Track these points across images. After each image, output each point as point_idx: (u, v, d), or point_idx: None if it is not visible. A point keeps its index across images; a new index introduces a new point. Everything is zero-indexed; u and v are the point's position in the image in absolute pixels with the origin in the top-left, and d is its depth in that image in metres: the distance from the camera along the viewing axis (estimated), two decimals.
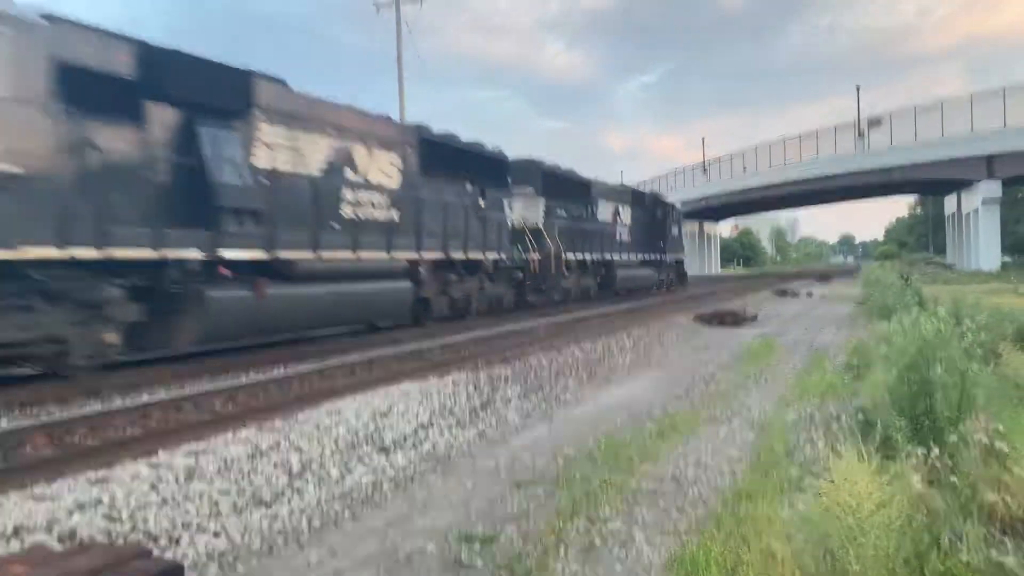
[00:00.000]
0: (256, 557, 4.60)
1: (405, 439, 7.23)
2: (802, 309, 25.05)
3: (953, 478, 4.17)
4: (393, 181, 14.71)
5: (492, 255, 18.54)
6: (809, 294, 32.17)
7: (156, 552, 4.30)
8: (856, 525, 3.22)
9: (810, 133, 54.26)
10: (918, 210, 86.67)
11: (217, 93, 10.90)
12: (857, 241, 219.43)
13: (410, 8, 34.77)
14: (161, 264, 9.93)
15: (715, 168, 65.20)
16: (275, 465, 6.00)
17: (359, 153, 13.70)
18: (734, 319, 19.17)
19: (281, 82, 12.23)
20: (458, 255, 17.00)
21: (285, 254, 11.85)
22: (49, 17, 8.88)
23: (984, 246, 43.49)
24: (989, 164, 42.29)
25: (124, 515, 4.78)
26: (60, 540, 4.38)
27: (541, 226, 21.52)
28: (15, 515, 4.64)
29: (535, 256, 20.94)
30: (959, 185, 48.72)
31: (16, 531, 4.41)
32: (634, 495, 5.55)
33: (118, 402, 8.38)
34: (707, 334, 17.32)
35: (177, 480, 5.44)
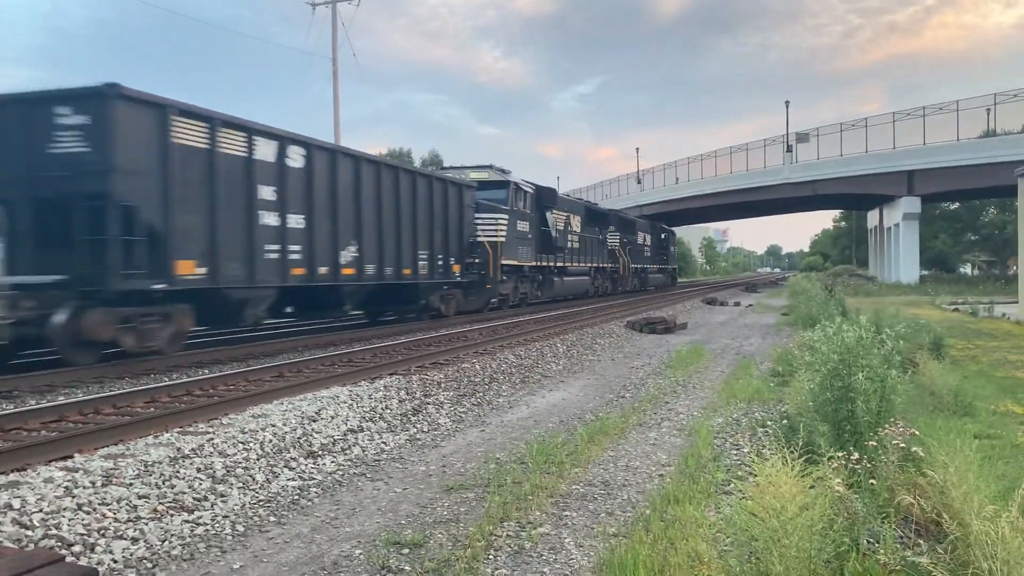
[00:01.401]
0: (176, 563, 4.46)
1: (334, 443, 7.12)
2: (730, 317, 25.58)
3: (872, 481, 4.29)
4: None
5: (607, 265, 34.87)
6: (737, 303, 32.90)
7: (69, 558, 4.13)
8: (780, 527, 3.28)
9: (741, 147, 55.60)
10: (842, 224, 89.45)
11: (554, 200, 27.52)
12: (784, 252, 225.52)
13: (346, 8, 34.62)
14: (542, 268, 25.66)
15: (649, 178, 66.29)
16: (198, 469, 5.83)
17: (575, 219, 30.22)
18: (664, 326, 19.45)
19: (554, 191, 27.87)
20: (599, 264, 33.52)
21: (564, 264, 28.32)
22: (539, 188, 26.29)
23: (904, 259, 45.12)
24: (910, 180, 43.92)
25: (36, 520, 4.58)
26: None
27: (618, 249, 36.58)
28: None
29: (619, 266, 36.91)
30: (881, 200, 50.49)
31: None
32: (564, 499, 5.56)
33: (33, 403, 8.06)
34: (638, 340, 17.53)
35: (93, 484, 5.23)
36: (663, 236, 49.11)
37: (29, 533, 4.44)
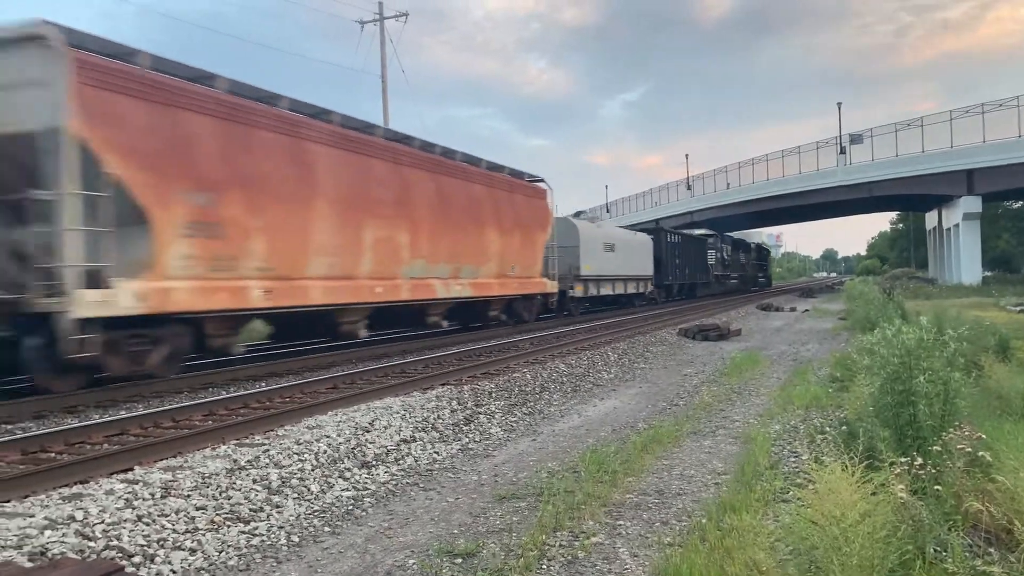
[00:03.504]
0: (233, 573, 4.51)
1: (387, 453, 7.15)
2: (785, 323, 25.12)
3: (937, 488, 4.14)
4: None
5: (710, 275, 44.42)
6: (792, 308, 32.30)
7: (129, 569, 4.20)
8: (841, 535, 3.18)
9: (793, 150, 54.64)
10: (900, 226, 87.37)
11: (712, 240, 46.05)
12: (840, 256, 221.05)
13: (393, 25, 34.96)
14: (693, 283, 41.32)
15: (699, 184, 65.56)
16: (254, 481, 5.91)
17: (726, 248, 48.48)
18: (718, 333, 19.18)
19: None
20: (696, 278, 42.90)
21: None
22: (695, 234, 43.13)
23: (965, 260, 43.82)
24: (969, 179, 42.70)
25: (98, 532, 4.68)
26: (30, 558, 4.27)
27: (722, 261, 46.99)
28: None
29: (721, 274, 47.12)
30: (940, 201, 49.16)
31: None
32: (618, 508, 5.49)
33: (95, 417, 8.26)
34: (691, 348, 17.31)
35: (153, 496, 5.33)
36: (763, 251, 66.31)
37: (91, 544, 4.53)
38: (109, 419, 7.92)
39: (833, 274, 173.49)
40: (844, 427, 6.32)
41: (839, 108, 54.23)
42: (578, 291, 25.30)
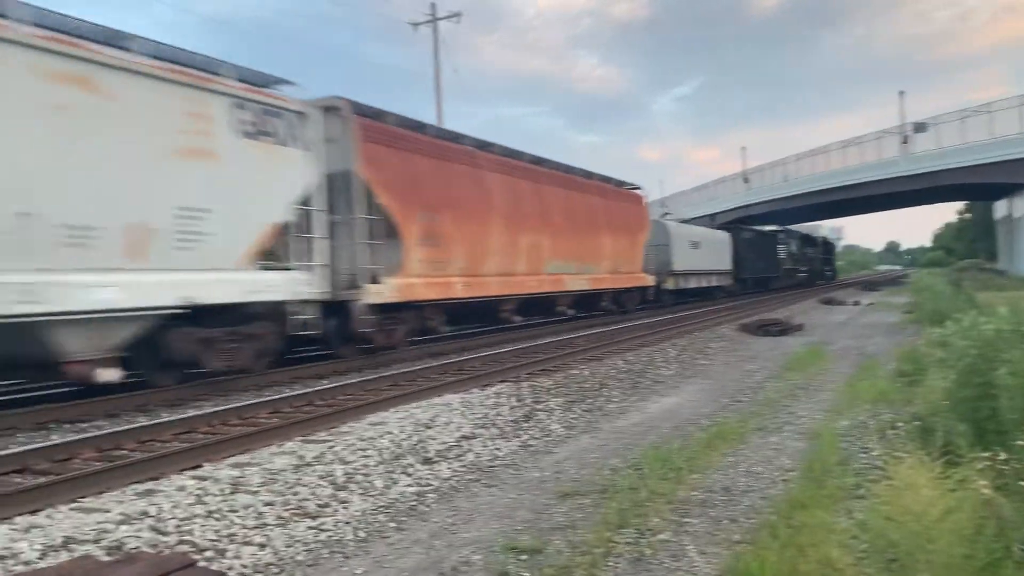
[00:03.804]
0: (301, 568, 4.56)
1: (449, 450, 7.17)
2: (849, 317, 24.56)
3: (1022, 483, 3.98)
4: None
5: (780, 269, 45.24)
6: (856, 302, 31.56)
7: (202, 563, 4.28)
8: (923, 532, 3.07)
9: (853, 140, 53.25)
10: (966, 215, 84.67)
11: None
12: (903, 248, 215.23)
13: (445, 26, 35.07)
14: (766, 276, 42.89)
15: (756, 177, 64.42)
16: (320, 477, 5.97)
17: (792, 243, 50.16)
18: (780, 328, 18.84)
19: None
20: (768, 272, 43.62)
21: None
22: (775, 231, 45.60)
23: None
24: None
25: (170, 527, 4.78)
26: (107, 552, 4.38)
27: (791, 255, 47.96)
28: (64, 526, 4.67)
29: (790, 268, 47.84)
30: (1009, 189, 47.49)
31: (65, 542, 4.43)
32: (683, 505, 5.41)
33: (165, 416, 8.46)
34: (752, 344, 17.04)
35: (222, 492, 5.43)
36: (829, 246, 66.36)
37: (164, 539, 4.63)
38: (178, 417, 8.10)
39: (897, 267, 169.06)
40: (917, 422, 6.13)
41: (900, 97, 52.84)
42: (670, 284, 28.90)
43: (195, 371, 10.29)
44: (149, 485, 5.62)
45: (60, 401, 9.08)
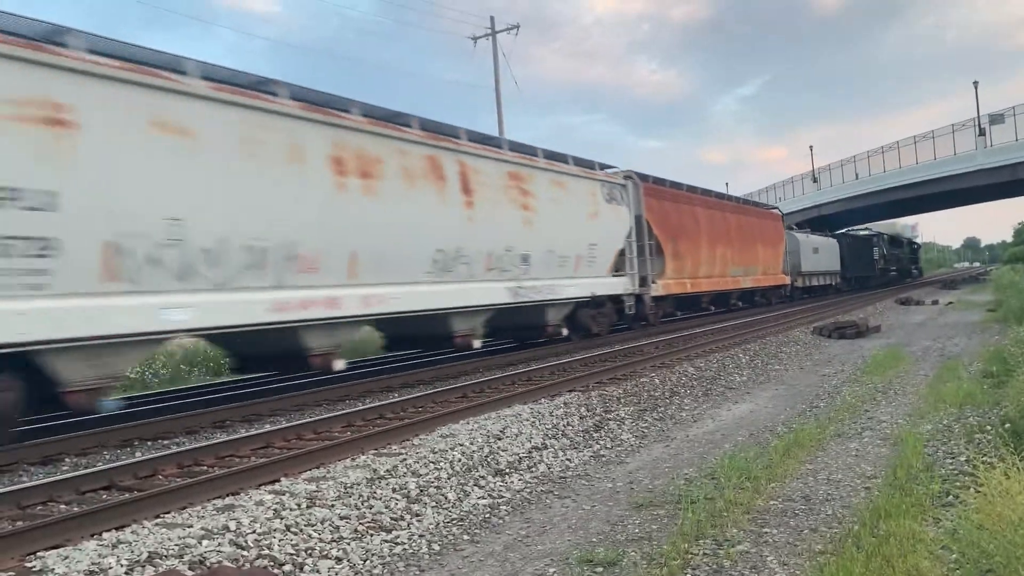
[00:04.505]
0: None
1: (520, 461, 7.15)
2: (928, 317, 23.77)
3: None
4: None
5: (875, 268, 48.81)
6: (935, 301, 30.54)
7: None
8: (1020, 541, 2.93)
9: (926, 134, 51.60)
10: None
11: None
12: (983, 244, 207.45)
13: (504, 38, 35.29)
14: (864, 275, 46.91)
15: (826, 176, 62.91)
16: (393, 490, 6.02)
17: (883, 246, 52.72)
18: (856, 330, 18.33)
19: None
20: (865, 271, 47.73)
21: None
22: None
23: None
24: None
25: (250, 541, 4.87)
26: (190, 566, 4.48)
27: (883, 256, 50.77)
28: (149, 542, 4.79)
29: (883, 267, 50.95)
30: None
31: (150, 557, 4.54)
32: (762, 515, 5.29)
33: (242, 432, 8.65)
34: (827, 347, 16.61)
35: (299, 506, 5.51)
36: (914, 246, 71.33)
37: (244, 553, 4.71)
38: (255, 432, 8.26)
39: (976, 263, 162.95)
40: (1007, 424, 5.88)
41: (976, 87, 51.00)
42: (800, 282, 35.58)
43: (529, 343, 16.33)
44: (229, 500, 5.74)
45: (144, 418, 9.37)
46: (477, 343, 13.65)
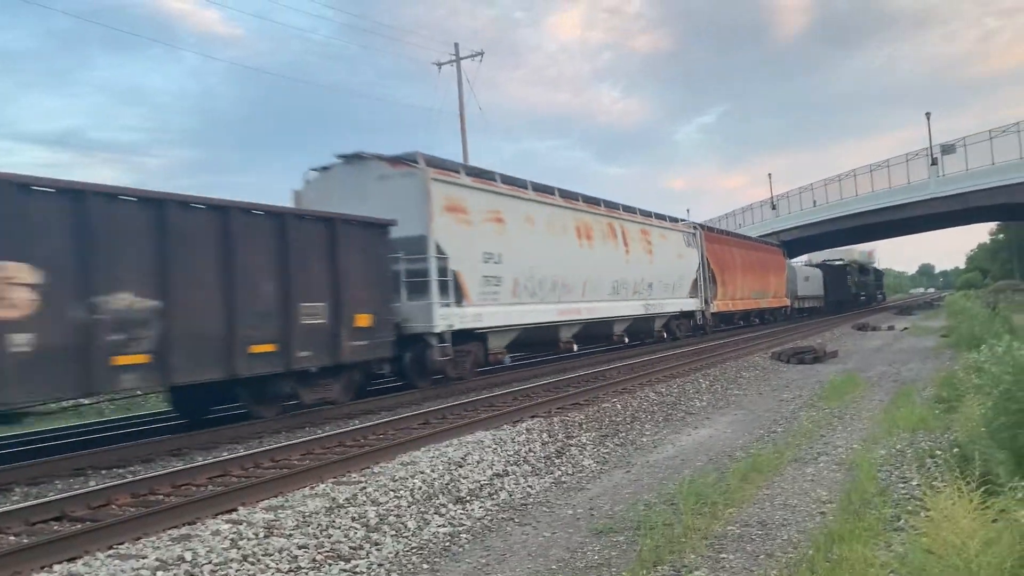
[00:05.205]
0: None
1: (481, 488, 7.14)
2: (884, 343, 24.22)
3: None
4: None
5: (848, 293, 57.06)
6: (890, 327, 31.14)
7: None
8: (964, 565, 3.01)
9: (881, 163, 52.83)
10: (1000, 236, 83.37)
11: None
12: (937, 271, 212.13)
13: (469, 65, 35.57)
14: (839, 299, 54.90)
15: (784, 203, 64.06)
16: (353, 519, 5.98)
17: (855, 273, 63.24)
18: (813, 356, 18.62)
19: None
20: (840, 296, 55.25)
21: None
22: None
23: None
24: None
25: (206, 572, 4.81)
26: None
27: (855, 282, 59.19)
28: (101, 574, 4.71)
29: (855, 292, 59.35)
30: None
31: None
32: (720, 540, 5.34)
33: (200, 460, 8.52)
34: (785, 372, 16.84)
35: (257, 536, 5.45)
36: (879, 273, 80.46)
37: None
38: (212, 460, 8.16)
39: (931, 289, 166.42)
40: (956, 450, 6.02)
41: (928, 118, 52.42)
42: (796, 304, 43.21)
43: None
44: (185, 530, 5.65)
45: (97, 446, 9.20)
46: (626, 339, 21.91)
